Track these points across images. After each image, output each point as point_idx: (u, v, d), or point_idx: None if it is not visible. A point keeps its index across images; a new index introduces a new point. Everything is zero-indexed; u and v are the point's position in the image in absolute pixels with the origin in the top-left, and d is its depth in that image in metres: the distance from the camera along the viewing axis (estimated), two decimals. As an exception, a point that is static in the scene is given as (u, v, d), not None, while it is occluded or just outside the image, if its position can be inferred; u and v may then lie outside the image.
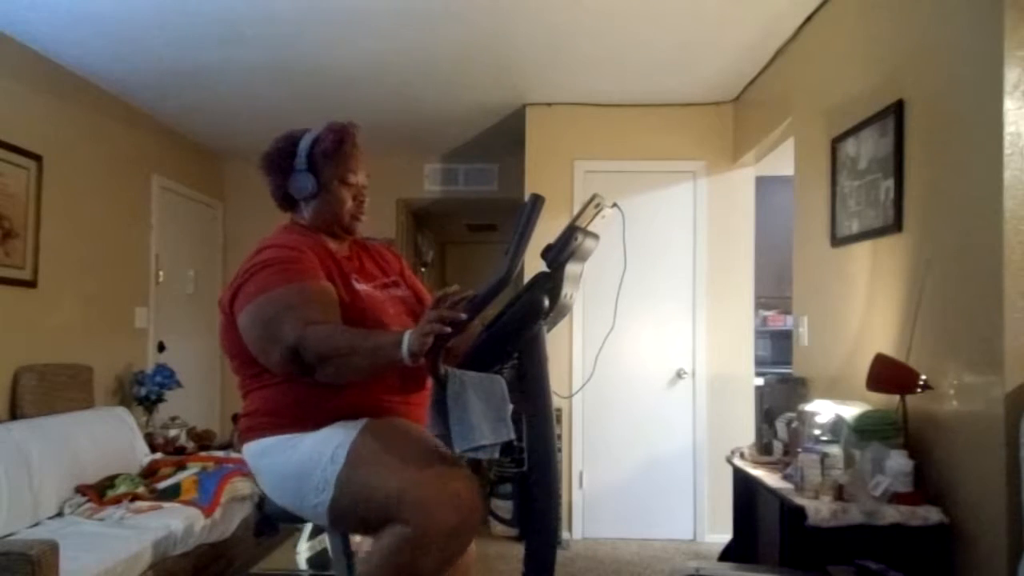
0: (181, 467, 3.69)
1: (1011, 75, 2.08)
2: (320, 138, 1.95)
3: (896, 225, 2.59)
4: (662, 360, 4.62)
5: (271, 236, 1.95)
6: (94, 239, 4.25)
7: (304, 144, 1.94)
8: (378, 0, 3.27)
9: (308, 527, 3.24)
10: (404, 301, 1.99)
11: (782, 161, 4.10)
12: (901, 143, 2.58)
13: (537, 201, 1.65)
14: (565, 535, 4.50)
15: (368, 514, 1.68)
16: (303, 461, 1.74)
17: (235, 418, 2.13)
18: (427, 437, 1.77)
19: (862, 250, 2.87)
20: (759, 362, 4.72)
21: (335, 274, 1.87)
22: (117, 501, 3.26)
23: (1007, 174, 2.08)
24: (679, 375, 4.61)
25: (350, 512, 1.72)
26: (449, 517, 1.59)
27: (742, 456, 3.10)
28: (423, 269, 7.61)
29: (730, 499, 3.34)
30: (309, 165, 1.92)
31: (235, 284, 1.82)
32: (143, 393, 4.41)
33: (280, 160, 1.96)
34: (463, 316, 1.53)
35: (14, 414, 3.47)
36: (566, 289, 1.73)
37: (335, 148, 1.93)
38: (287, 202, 2.00)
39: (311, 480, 1.71)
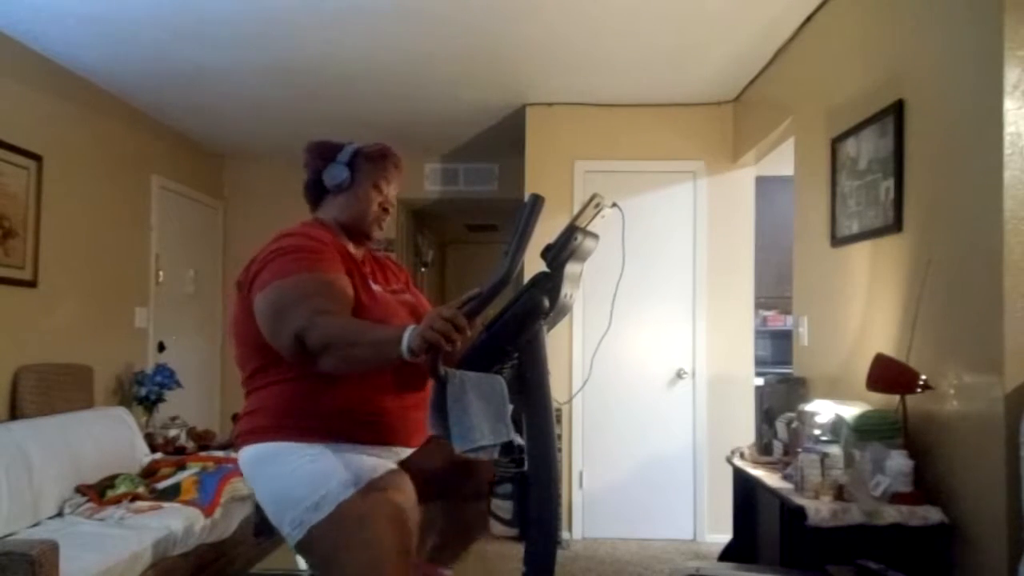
0: (181, 467, 3.69)
1: (1011, 75, 2.08)
2: (367, 146, 2.06)
3: (896, 225, 2.59)
4: (662, 360, 4.61)
5: (295, 226, 1.99)
6: (94, 239, 4.25)
7: (351, 146, 2.05)
8: (378, 0, 3.27)
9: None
10: (411, 307, 2.03)
11: (782, 161, 4.10)
12: (901, 143, 2.58)
13: (537, 201, 1.65)
14: (565, 535, 4.50)
15: (319, 573, 1.78)
16: (291, 489, 1.75)
17: (235, 418, 2.13)
18: (409, 530, 1.75)
19: (862, 250, 2.87)
20: (759, 362, 4.72)
21: (355, 273, 1.90)
22: (117, 501, 3.26)
23: (1007, 174, 2.08)
24: (679, 375, 4.60)
25: (309, 558, 1.79)
26: None
27: (742, 456, 3.10)
28: (423, 269, 7.61)
29: (730, 499, 3.34)
30: (349, 161, 2.02)
31: (255, 268, 1.85)
32: (143, 393, 4.41)
33: (325, 149, 2.06)
34: (465, 325, 1.53)
35: (14, 414, 3.47)
36: (566, 289, 1.73)
37: (377, 156, 2.04)
38: (317, 194, 2.05)
39: (292, 512, 1.73)
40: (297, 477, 1.75)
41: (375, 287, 1.96)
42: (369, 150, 2.03)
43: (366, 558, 1.66)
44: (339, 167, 2.00)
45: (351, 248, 2.01)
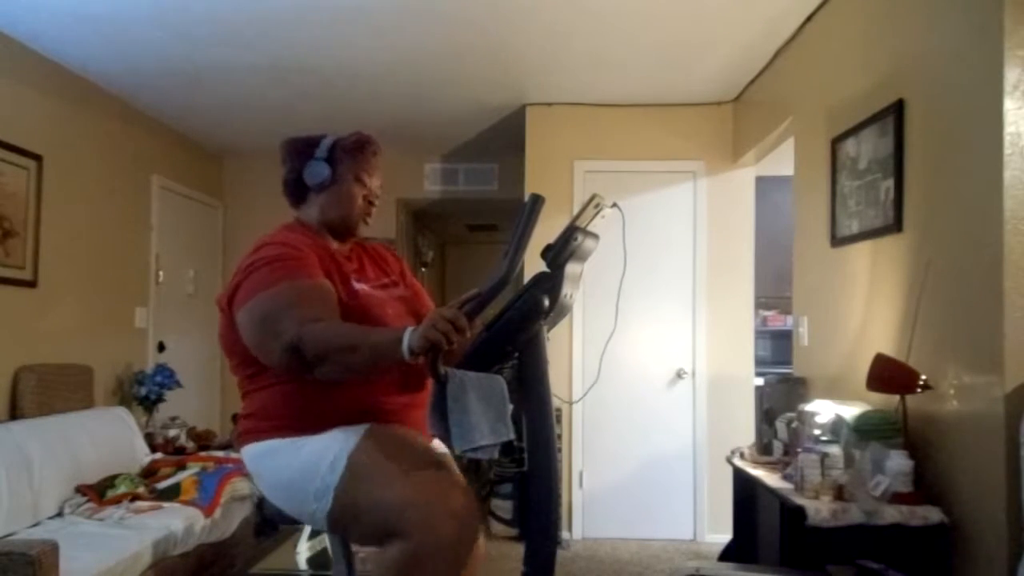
0: (181, 467, 3.69)
1: (1011, 75, 2.08)
2: (344, 138, 1.99)
3: (896, 225, 2.59)
4: (662, 360, 4.61)
5: (270, 234, 1.94)
6: (94, 239, 4.25)
7: (328, 140, 1.98)
8: (378, 0, 3.27)
9: (308, 527, 3.24)
10: (404, 301, 1.99)
11: (782, 161, 4.10)
12: (901, 143, 2.58)
13: (537, 201, 1.65)
14: (565, 535, 4.50)
15: (366, 525, 1.69)
16: (303, 467, 1.74)
17: (235, 418, 2.13)
18: (427, 447, 1.77)
19: (862, 250, 2.87)
20: (759, 362, 4.72)
21: (334, 273, 1.87)
22: (117, 501, 3.26)
23: (1007, 174, 2.08)
24: (679, 375, 4.61)
25: (348, 520, 1.73)
26: (451, 531, 1.59)
27: (742, 456, 3.10)
28: (423, 269, 7.61)
29: (730, 499, 3.34)
30: (328, 156, 1.96)
31: (233, 282, 1.82)
32: (143, 393, 4.40)
33: (302, 146, 1.99)
34: (466, 325, 1.53)
35: (14, 414, 3.47)
36: (566, 289, 1.73)
37: (356, 148, 1.97)
38: (298, 192, 2.00)
39: (310, 487, 1.71)
40: (302, 458, 1.75)
41: (359, 285, 1.91)
42: (347, 143, 1.96)
43: (397, 489, 1.64)
44: (319, 164, 1.94)
45: (334, 246, 1.97)
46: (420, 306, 2.01)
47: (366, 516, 1.68)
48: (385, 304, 1.92)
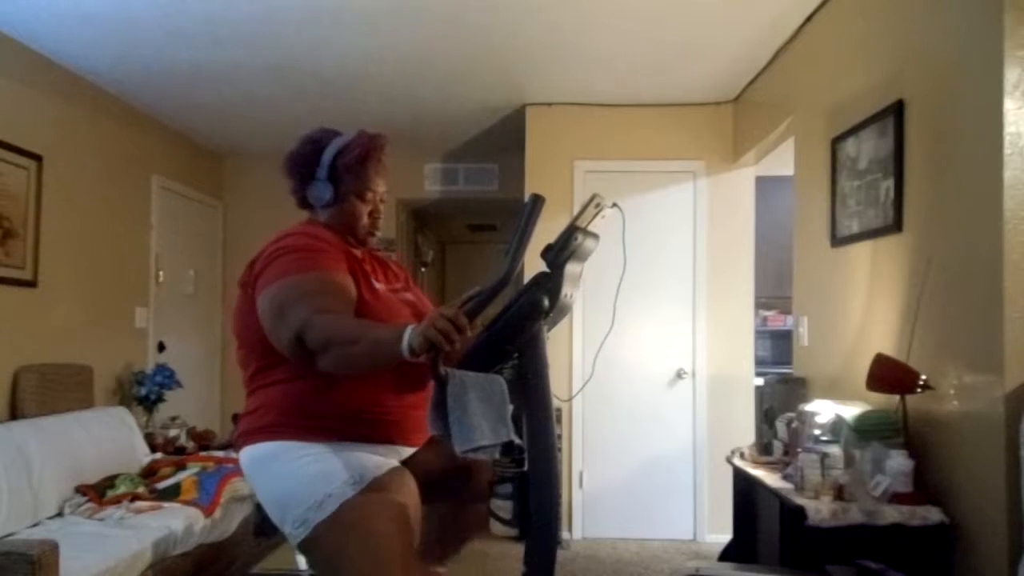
0: (181, 467, 3.69)
1: (1011, 75, 2.08)
2: (347, 148, 1.94)
3: (896, 225, 2.59)
4: (662, 360, 4.62)
5: (296, 225, 1.96)
6: (94, 239, 4.25)
7: (329, 153, 1.93)
8: (378, 0, 3.27)
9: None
10: (413, 305, 2.01)
11: (782, 161, 4.10)
12: (901, 143, 2.58)
13: (537, 201, 1.66)
14: (565, 535, 4.50)
15: (322, 567, 1.77)
16: (294, 489, 1.75)
17: (235, 418, 2.14)
18: (411, 530, 1.75)
19: (862, 250, 2.88)
20: (759, 362, 4.72)
21: (358, 272, 1.89)
22: (117, 501, 3.26)
23: (1007, 174, 2.08)
24: (679, 375, 4.61)
25: (312, 555, 1.78)
26: None
27: (742, 456, 3.10)
28: (423, 269, 7.61)
29: (730, 499, 3.34)
30: (330, 175, 1.93)
31: (258, 267, 1.84)
32: (143, 393, 4.41)
33: (302, 165, 1.96)
34: (466, 324, 1.53)
35: (14, 414, 3.47)
36: (566, 289, 1.73)
37: (359, 162, 1.93)
38: (305, 205, 2.01)
39: (295, 511, 1.73)
40: (300, 477, 1.75)
41: (378, 285, 1.94)
42: (350, 157, 1.91)
43: (368, 558, 1.66)
44: (320, 185, 1.92)
45: (352, 247, 1.99)
46: (426, 313, 2.02)
47: (325, 567, 1.75)
48: (400, 306, 1.94)
